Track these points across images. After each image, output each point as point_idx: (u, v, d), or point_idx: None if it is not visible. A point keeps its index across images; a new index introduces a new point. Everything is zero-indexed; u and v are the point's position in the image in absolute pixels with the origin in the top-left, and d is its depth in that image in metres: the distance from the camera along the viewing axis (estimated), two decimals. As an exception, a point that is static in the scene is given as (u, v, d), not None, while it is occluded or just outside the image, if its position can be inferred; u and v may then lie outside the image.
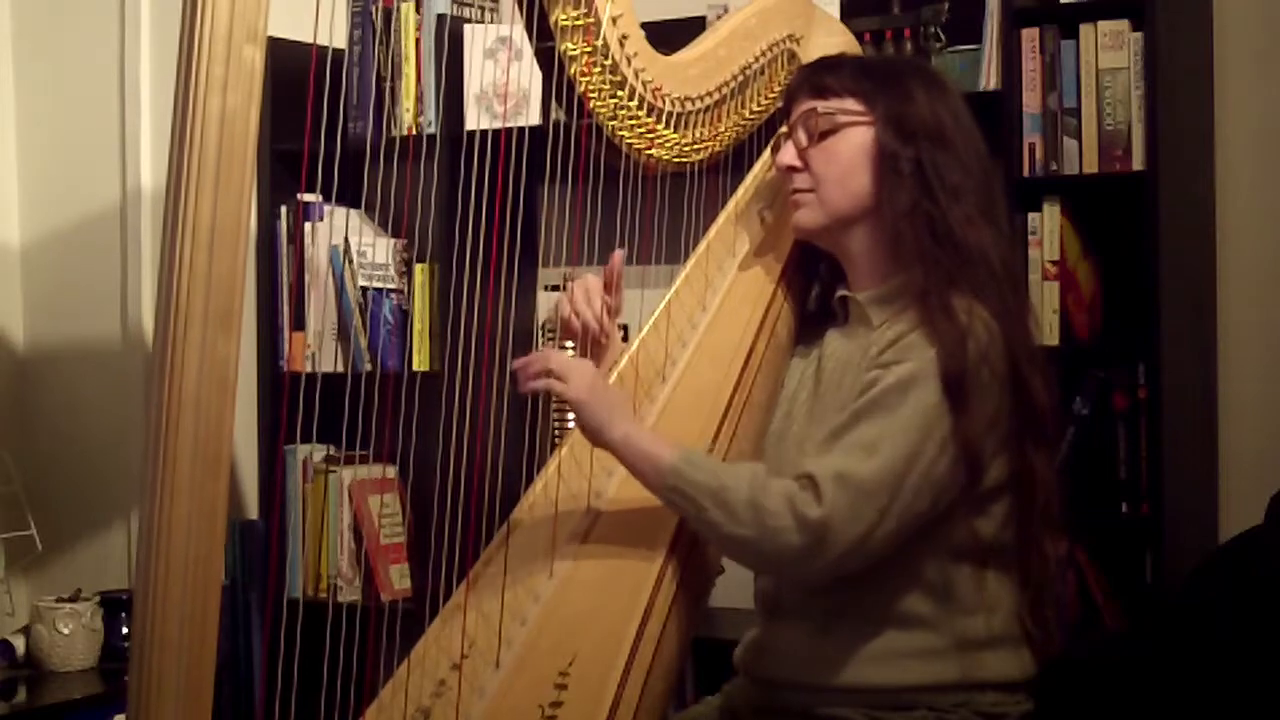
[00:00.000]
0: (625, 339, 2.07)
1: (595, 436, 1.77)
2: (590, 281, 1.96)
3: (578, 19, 1.84)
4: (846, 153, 1.84)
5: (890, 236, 1.81)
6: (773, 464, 1.84)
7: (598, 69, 1.87)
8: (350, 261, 3.19)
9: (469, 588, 1.80)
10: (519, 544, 1.83)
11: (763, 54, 2.07)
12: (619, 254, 1.95)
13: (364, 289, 3.20)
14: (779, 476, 1.71)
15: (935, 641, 1.73)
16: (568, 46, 1.84)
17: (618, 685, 1.65)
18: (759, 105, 2.10)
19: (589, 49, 1.85)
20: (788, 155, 1.88)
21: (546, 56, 1.86)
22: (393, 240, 3.24)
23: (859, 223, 1.85)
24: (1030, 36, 2.67)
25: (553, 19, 1.83)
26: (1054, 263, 2.64)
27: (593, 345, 1.96)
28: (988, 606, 1.74)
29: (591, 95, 1.88)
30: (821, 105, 1.85)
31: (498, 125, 3.00)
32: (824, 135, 1.84)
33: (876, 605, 1.73)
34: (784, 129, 1.95)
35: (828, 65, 1.90)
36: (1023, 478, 1.75)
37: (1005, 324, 1.73)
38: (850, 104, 1.84)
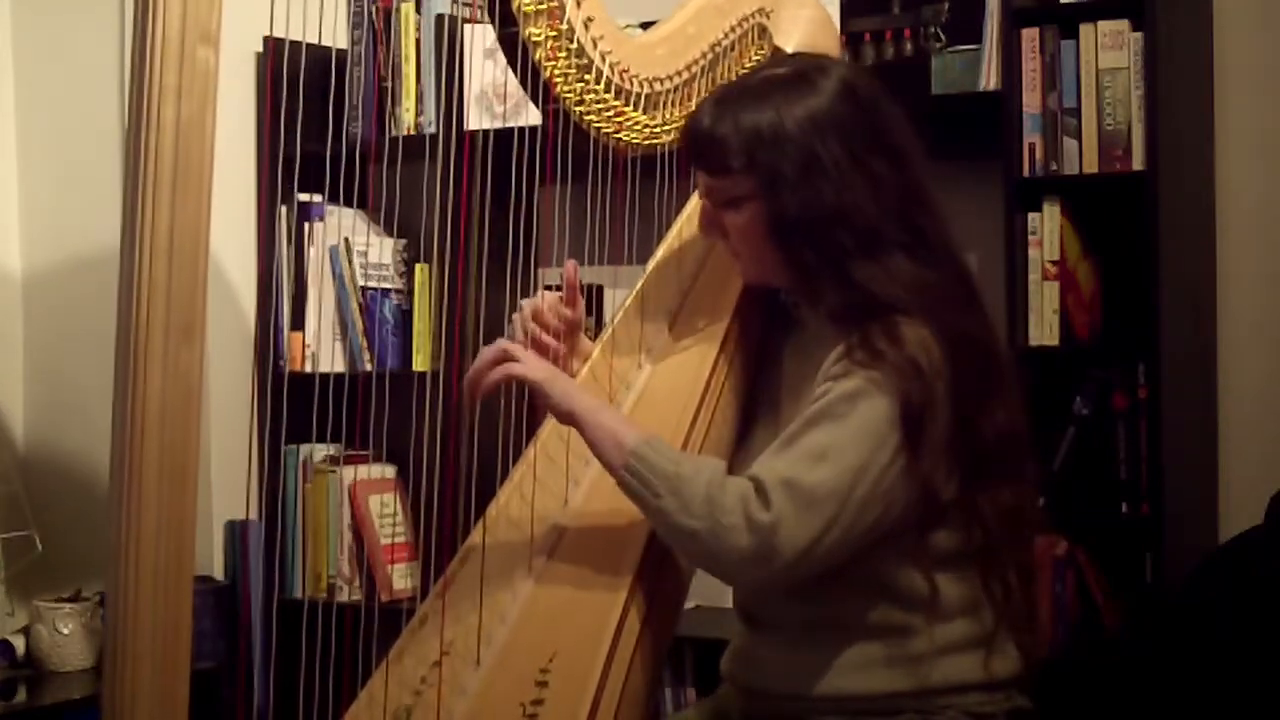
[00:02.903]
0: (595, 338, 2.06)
1: (560, 411, 1.75)
2: (546, 300, 1.93)
3: (541, 3, 1.80)
4: (747, 229, 1.76)
5: (813, 291, 1.77)
6: (735, 466, 1.81)
7: (563, 54, 1.83)
8: (350, 261, 3.19)
9: (446, 585, 1.79)
10: (496, 541, 1.82)
11: (733, 29, 2.01)
12: (571, 264, 1.92)
13: (364, 289, 3.21)
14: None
15: (913, 648, 1.71)
16: (532, 32, 1.80)
17: (599, 681, 1.64)
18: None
19: (554, 34, 1.81)
20: (704, 224, 1.83)
21: (510, 43, 1.82)
22: (393, 240, 3.24)
23: (791, 275, 1.80)
24: (1030, 36, 2.67)
25: (515, 3, 1.79)
26: (1054, 263, 2.63)
27: (560, 359, 1.94)
28: (964, 610, 1.73)
29: (558, 80, 1.84)
30: (716, 184, 1.76)
31: (498, 125, 3.00)
32: (727, 206, 1.77)
33: (850, 615, 1.72)
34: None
35: (712, 122, 1.75)
36: (971, 518, 1.71)
37: (948, 341, 1.67)
38: (741, 182, 1.74)
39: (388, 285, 3.23)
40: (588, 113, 1.88)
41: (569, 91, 1.85)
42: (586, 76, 1.86)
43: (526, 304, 1.94)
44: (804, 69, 1.78)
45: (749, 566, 1.65)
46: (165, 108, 1.29)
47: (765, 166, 1.71)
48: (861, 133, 1.73)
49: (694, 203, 2.10)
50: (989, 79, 2.73)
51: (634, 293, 2.03)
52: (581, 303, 1.96)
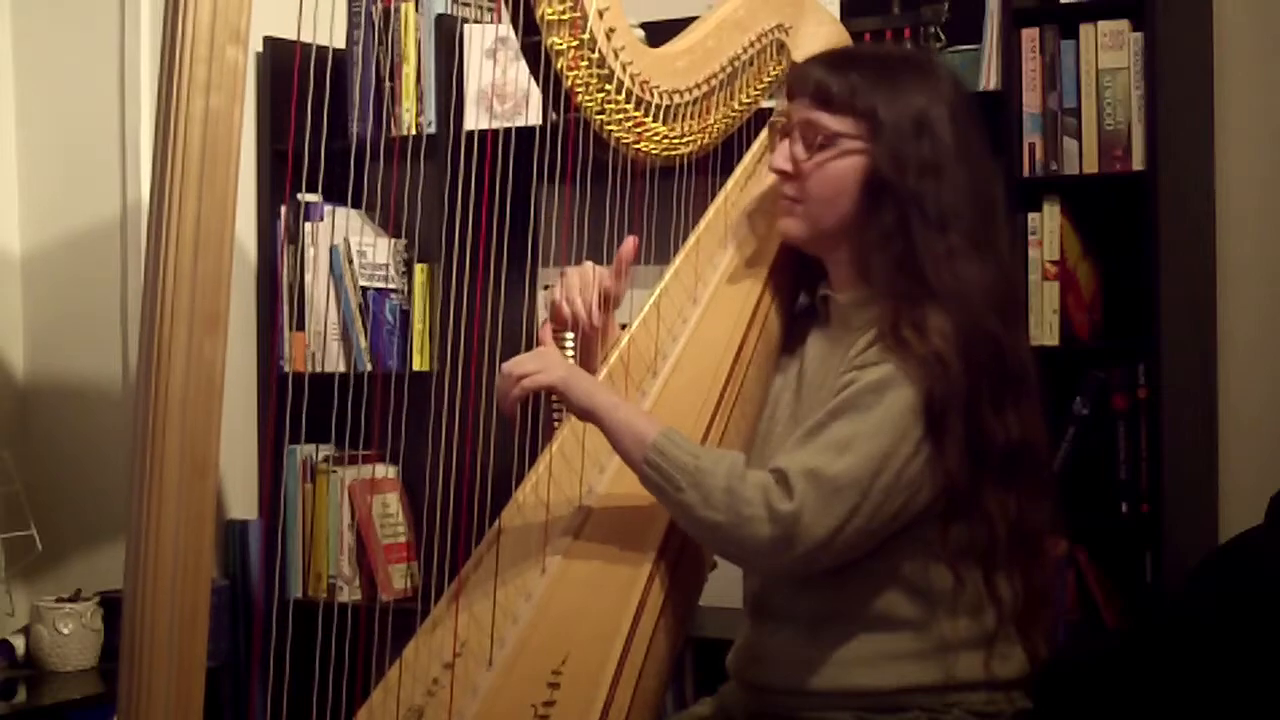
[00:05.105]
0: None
1: (582, 408, 1.76)
2: (586, 270, 1.93)
3: (564, 13, 1.82)
4: (840, 174, 1.79)
5: (865, 257, 1.80)
6: (755, 464, 1.83)
7: (585, 63, 1.85)
8: (350, 261, 3.19)
9: (460, 586, 1.80)
10: (510, 542, 1.83)
11: (751, 44, 2.04)
12: (633, 240, 1.92)
13: (364, 289, 3.21)
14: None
15: (923, 643, 1.72)
16: (554, 41, 1.82)
17: (610, 683, 1.64)
18: (748, 96, 2.07)
19: (575, 43, 1.84)
20: (782, 160, 1.84)
21: (533, 51, 1.84)
22: (393, 240, 3.24)
23: (843, 238, 1.83)
24: (1030, 36, 2.67)
25: (539, 13, 1.81)
26: (1054, 263, 2.64)
27: (587, 336, 1.96)
28: (973, 607, 1.73)
29: (579, 89, 1.86)
30: (825, 119, 1.80)
31: (497, 125, 3.00)
32: (822, 147, 1.80)
33: (861, 608, 1.73)
34: (779, 117, 1.91)
35: (837, 67, 1.82)
36: (976, 516, 1.72)
37: (967, 336, 1.70)
38: (853, 125, 1.78)
39: (388, 285, 3.23)
40: (608, 122, 1.90)
41: (590, 101, 1.88)
42: (607, 86, 1.88)
43: (572, 271, 1.95)
44: (919, 55, 1.90)
45: (771, 556, 1.66)
46: (194, 100, 1.31)
47: (888, 118, 1.77)
48: (968, 125, 1.81)
49: (724, 194, 2.11)
50: (989, 79, 2.73)
51: (655, 291, 2.04)
52: (624, 280, 1.96)
